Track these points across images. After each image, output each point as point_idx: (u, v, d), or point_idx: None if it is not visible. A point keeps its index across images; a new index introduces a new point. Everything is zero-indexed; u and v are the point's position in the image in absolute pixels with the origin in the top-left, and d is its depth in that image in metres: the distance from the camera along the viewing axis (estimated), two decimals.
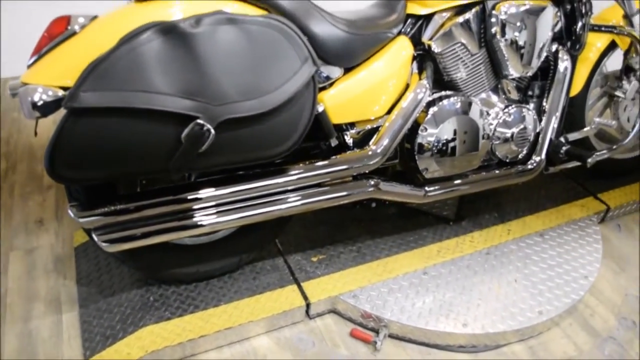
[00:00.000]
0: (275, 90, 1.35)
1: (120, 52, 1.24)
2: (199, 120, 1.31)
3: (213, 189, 1.55)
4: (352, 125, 1.69)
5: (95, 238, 1.48)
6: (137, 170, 1.36)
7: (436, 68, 1.80)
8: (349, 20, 1.60)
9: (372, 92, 1.66)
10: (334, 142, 1.65)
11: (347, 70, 1.65)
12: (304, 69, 1.38)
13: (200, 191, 1.54)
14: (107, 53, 1.23)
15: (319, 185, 1.65)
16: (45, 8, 2.89)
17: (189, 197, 1.53)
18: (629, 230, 2.32)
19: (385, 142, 1.66)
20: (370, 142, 1.68)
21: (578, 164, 2.00)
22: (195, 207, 1.56)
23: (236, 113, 1.33)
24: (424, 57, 1.79)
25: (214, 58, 1.29)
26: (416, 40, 1.76)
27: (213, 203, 1.57)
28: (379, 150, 1.66)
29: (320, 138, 1.66)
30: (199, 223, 1.56)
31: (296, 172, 1.59)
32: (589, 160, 1.85)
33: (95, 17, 1.35)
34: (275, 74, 1.35)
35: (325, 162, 1.62)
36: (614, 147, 2.03)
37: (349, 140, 1.69)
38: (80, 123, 1.25)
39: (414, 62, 1.79)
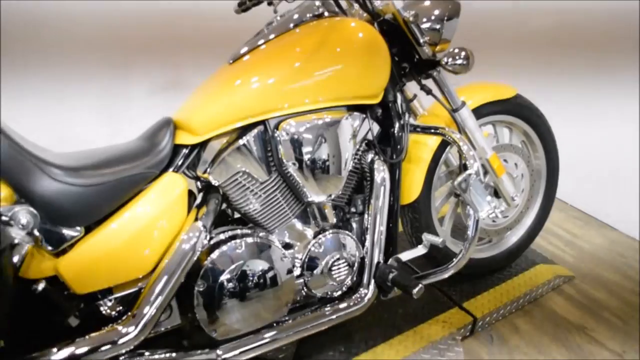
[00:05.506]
0: None
1: None
2: None
3: None
4: (109, 291, 1.36)
5: None
6: None
7: (227, 200, 1.51)
8: (88, 166, 1.30)
9: (128, 248, 1.34)
10: (74, 322, 1.30)
11: (96, 223, 1.33)
12: None
13: None
14: None
15: None
16: None
17: None
18: (502, 340, 2.04)
19: (149, 309, 1.33)
20: (130, 312, 1.34)
21: None
22: None
23: None
24: (209, 190, 1.50)
25: None
26: (194, 173, 1.48)
27: None
28: (140, 322, 1.32)
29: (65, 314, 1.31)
30: None
31: None
32: (414, 291, 1.56)
33: None
34: None
35: (67, 348, 1.26)
36: (439, 269, 1.75)
37: (105, 311, 1.34)
38: None
39: (199, 197, 1.50)
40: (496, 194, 2.06)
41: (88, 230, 1.31)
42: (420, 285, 1.55)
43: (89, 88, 2.94)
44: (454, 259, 1.70)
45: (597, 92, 2.90)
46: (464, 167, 1.85)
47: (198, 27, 2.90)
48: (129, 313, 1.35)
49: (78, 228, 1.29)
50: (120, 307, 1.37)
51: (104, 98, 2.98)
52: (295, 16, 1.59)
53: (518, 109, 2.07)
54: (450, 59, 1.66)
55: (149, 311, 1.33)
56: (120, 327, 1.32)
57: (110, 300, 1.36)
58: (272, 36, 1.55)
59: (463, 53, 1.66)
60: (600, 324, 2.12)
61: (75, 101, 2.91)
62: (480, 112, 1.97)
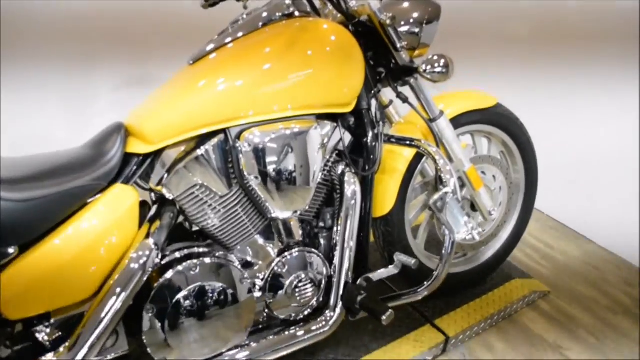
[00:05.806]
0: None
1: None
2: None
3: None
4: (47, 316, 1.23)
5: None
6: None
7: (184, 214, 1.39)
8: (24, 178, 1.17)
9: (69, 268, 1.21)
10: (5, 352, 1.17)
11: (34, 241, 1.19)
12: None
13: None
14: None
15: None
16: None
17: None
18: (476, 358, 1.95)
19: (92, 335, 1.21)
20: (71, 339, 1.21)
21: None
22: None
23: None
24: (164, 202, 1.38)
25: None
26: (147, 185, 1.35)
27: None
28: (81, 350, 1.20)
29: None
30: None
31: None
32: (384, 318, 1.46)
33: None
34: None
35: None
36: (411, 291, 1.65)
37: (42, 338, 1.22)
38: None
39: (153, 209, 1.37)
40: (473, 207, 1.98)
41: (24, 248, 1.18)
42: (390, 311, 1.45)
43: (49, 82, 2.77)
44: (426, 282, 1.61)
45: (575, 99, 2.84)
46: (440, 181, 1.76)
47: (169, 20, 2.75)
48: (70, 340, 1.22)
49: (12, 247, 1.16)
50: (60, 334, 1.24)
51: (66, 94, 2.82)
52: (264, 14, 1.47)
53: (498, 118, 1.98)
54: (428, 67, 1.55)
55: (92, 337, 1.21)
56: (58, 357, 1.19)
57: (48, 327, 1.23)
58: (238, 35, 1.42)
59: (442, 61, 1.55)
60: (576, 342, 2.05)
61: (34, 96, 2.74)
62: (458, 121, 1.88)
